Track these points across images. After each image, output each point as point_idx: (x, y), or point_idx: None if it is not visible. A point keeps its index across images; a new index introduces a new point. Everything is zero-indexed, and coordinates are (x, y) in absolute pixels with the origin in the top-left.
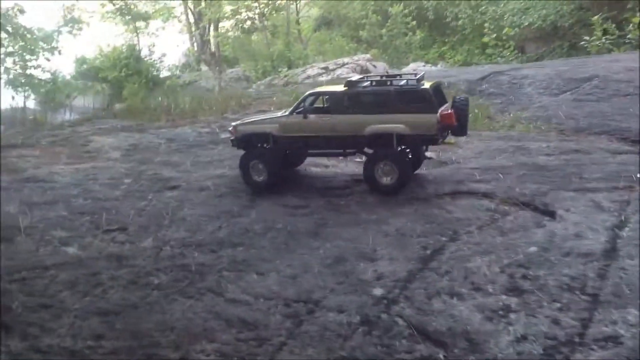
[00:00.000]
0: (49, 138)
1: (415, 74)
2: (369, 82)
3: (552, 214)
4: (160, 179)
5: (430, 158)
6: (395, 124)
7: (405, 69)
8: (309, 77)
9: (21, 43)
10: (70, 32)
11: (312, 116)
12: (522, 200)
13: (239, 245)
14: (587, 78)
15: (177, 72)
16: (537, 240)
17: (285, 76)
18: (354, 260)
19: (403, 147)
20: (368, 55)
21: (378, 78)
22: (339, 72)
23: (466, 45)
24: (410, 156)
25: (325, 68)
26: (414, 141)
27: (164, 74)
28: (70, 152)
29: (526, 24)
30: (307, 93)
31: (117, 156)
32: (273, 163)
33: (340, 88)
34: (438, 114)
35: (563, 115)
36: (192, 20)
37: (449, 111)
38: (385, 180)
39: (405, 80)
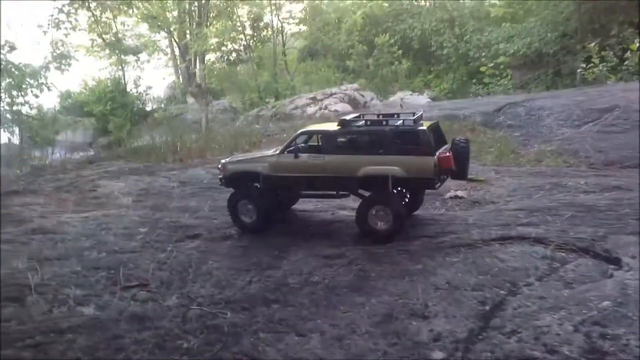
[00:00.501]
0: (53, 183)
1: (413, 113)
2: (363, 121)
3: (617, 262)
4: (179, 226)
5: (461, 197)
6: (390, 166)
7: (392, 98)
8: (296, 107)
9: (8, 80)
10: (58, 68)
11: (303, 155)
12: (580, 246)
13: (274, 302)
14: (607, 109)
15: (163, 105)
16: (610, 294)
17: (273, 107)
18: (405, 318)
19: (399, 189)
20: (356, 85)
21: (374, 117)
22: (326, 102)
23: (451, 74)
24: (407, 198)
25: (313, 98)
26: (410, 185)
27: (150, 106)
28: (77, 199)
29: (511, 51)
30: (300, 132)
31: (129, 202)
32: (263, 204)
33: (334, 127)
34: (435, 157)
35: (590, 148)
36: (177, 52)
37: (447, 154)
38: (379, 225)
39: (401, 120)
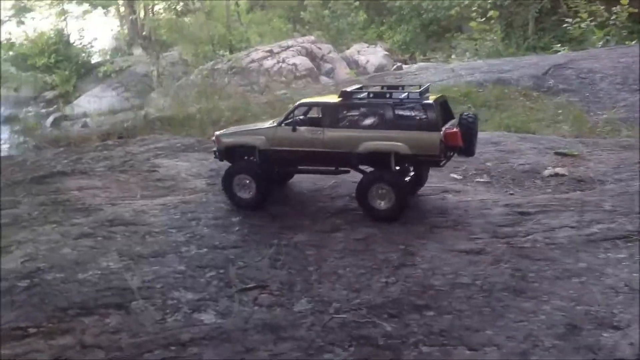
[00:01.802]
0: (102, 162)
1: (420, 86)
2: (366, 93)
3: None
4: (273, 215)
5: (562, 175)
6: (393, 142)
7: (348, 51)
8: (253, 60)
9: None
10: (20, 22)
11: (301, 129)
12: None
13: (426, 309)
14: None
15: (108, 57)
16: None
17: (229, 60)
18: (593, 328)
19: (404, 166)
20: (312, 37)
21: (377, 89)
22: (284, 55)
23: (404, 25)
24: (411, 175)
25: (270, 51)
26: (413, 162)
27: (96, 59)
28: (137, 181)
29: (466, 3)
30: (298, 103)
31: (204, 186)
32: (262, 178)
33: (334, 99)
34: (442, 133)
35: None
36: (122, 2)
37: (454, 130)
38: (380, 204)
39: (406, 93)
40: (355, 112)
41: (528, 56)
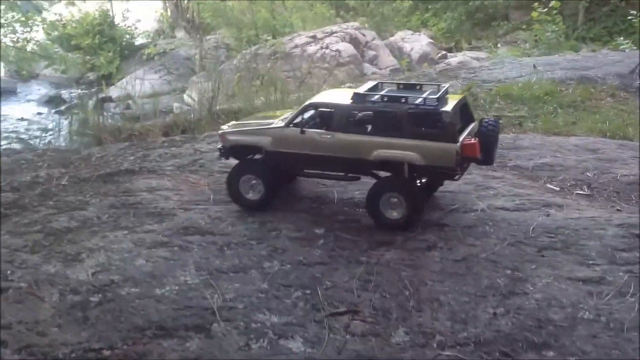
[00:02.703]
0: (170, 160)
1: (438, 87)
2: (379, 96)
3: None
4: (360, 228)
5: None
6: (406, 151)
7: (392, 38)
8: (296, 46)
9: (11, 14)
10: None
11: (310, 131)
12: None
13: (544, 347)
14: None
15: (150, 39)
16: None
17: (272, 45)
18: None
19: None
20: (356, 24)
21: (393, 88)
22: (327, 41)
23: (449, 13)
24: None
25: (314, 37)
26: (428, 173)
27: (139, 41)
28: (210, 184)
29: None
30: (307, 103)
31: None
32: (271, 179)
33: (346, 100)
34: (459, 144)
35: None
36: None
37: (473, 140)
38: (391, 214)
39: (423, 98)
40: (368, 117)
41: (609, 52)
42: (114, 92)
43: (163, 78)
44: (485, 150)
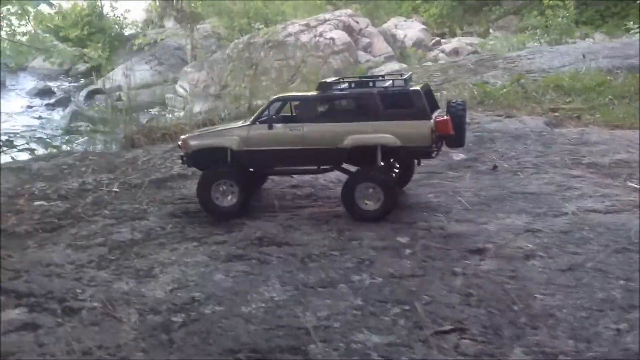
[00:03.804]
0: None
1: (402, 74)
2: (346, 84)
3: None
4: (445, 236)
5: None
6: (380, 133)
7: (385, 25)
8: (289, 34)
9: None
10: None
11: (278, 126)
12: None
13: None
14: None
15: (139, 29)
16: None
17: (265, 34)
18: None
19: (389, 162)
20: (349, 11)
21: (356, 79)
22: (321, 29)
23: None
24: (397, 170)
25: (307, 25)
26: (404, 155)
27: (128, 31)
28: (271, 187)
29: None
30: (273, 98)
31: None
32: (245, 183)
33: (312, 92)
34: (432, 121)
35: None
36: None
37: (445, 117)
38: (367, 205)
39: (390, 81)
40: (337, 105)
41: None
42: (104, 83)
43: (154, 69)
44: (456, 130)
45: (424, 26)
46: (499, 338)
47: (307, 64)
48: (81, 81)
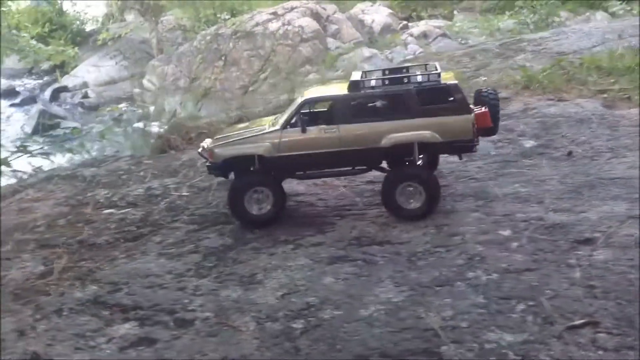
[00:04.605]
0: None
1: (425, 65)
2: (377, 81)
3: None
4: (547, 226)
5: None
6: (421, 130)
7: (352, 11)
8: (257, 24)
9: None
10: None
11: (312, 129)
12: None
13: None
14: None
15: (99, 24)
16: None
17: (232, 24)
18: None
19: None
20: None
21: (386, 73)
22: (288, 17)
23: None
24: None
25: (274, 13)
26: (445, 150)
27: (90, 26)
28: (345, 183)
29: None
30: (303, 100)
31: None
32: (280, 190)
33: (343, 90)
34: (473, 115)
35: None
36: None
37: (484, 110)
38: (410, 204)
39: (426, 75)
40: (372, 103)
41: None
42: (68, 81)
43: (120, 64)
44: (493, 120)
45: (390, 10)
46: (636, 330)
47: (277, 53)
48: (44, 79)
